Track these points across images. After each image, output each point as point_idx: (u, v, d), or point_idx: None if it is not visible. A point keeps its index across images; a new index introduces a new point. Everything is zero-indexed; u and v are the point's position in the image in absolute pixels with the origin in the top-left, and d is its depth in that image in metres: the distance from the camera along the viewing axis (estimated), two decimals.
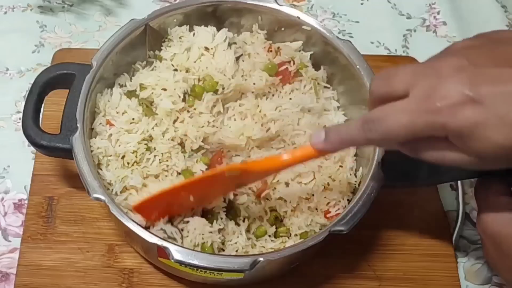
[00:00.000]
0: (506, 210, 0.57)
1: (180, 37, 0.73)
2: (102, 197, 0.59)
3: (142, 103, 0.68)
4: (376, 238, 0.72)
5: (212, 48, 0.71)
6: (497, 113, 0.45)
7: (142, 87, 0.69)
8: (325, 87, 0.74)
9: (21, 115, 0.80)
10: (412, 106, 0.47)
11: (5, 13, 0.91)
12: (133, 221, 0.59)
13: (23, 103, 0.81)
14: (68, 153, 0.63)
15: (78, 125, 0.63)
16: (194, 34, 0.73)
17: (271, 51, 0.74)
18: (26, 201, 0.74)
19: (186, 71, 0.71)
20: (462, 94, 0.45)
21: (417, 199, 0.74)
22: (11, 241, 0.72)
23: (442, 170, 0.62)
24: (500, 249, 0.57)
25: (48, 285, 0.68)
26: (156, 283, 0.69)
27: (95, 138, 0.66)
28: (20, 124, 0.80)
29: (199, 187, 0.61)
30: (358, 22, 0.93)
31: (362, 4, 0.96)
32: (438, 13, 0.94)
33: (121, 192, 0.64)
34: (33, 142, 0.64)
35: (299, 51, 0.74)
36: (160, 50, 0.73)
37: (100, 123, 0.67)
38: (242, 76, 0.70)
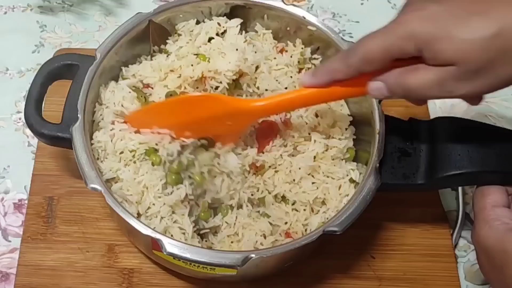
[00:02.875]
0: (500, 223, 0.57)
1: (191, 31, 0.73)
2: (99, 187, 0.59)
3: (141, 96, 0.68)
4: (375, 238, 0.72)
5: (224, 29, 0.72)
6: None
7: (133, 75, 0.70)
8: None
9: (21, 115, 0.81)
10: (384, 29, 0.52)
11: (5, 13, 0.91)
12: (128, 213, 0.59)
13: (23, 103, 0.81)
14: (68, 143, 0.63)
15: (79, 115, 0.63)
16: (204, 22, 0.73)
17: (283, 51, 0.74)
18: (26, 201, 0.74)
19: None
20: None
21: (417, 199, 0.74)
22: (11, 241, 0.72)
23: (440, 174, 0.62)
24: (493, 263, 0.56)
25: (48, 285, 0.68)
26: (156, 283, 0.69)
27: (98, 131, 0.66)
28: (20, 124, 0.80)
29: (187, 111, 0.63)
30: (358, 22, 0.93)
31: (362, 4, 0.96)
32: None
33: (110, 180, 0.64)
34: (34, 131, 0.65)
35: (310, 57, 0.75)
36: (165, 44, 0.73)
37: (101, 115, 0.67)
38: (252, 64, 0.70)
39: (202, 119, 0.63)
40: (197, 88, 0.69)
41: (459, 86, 0.50)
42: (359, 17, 0.94)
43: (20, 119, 0.80)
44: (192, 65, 0.69)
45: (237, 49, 0.69)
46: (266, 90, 0.70)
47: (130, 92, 0.68)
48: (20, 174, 0.76)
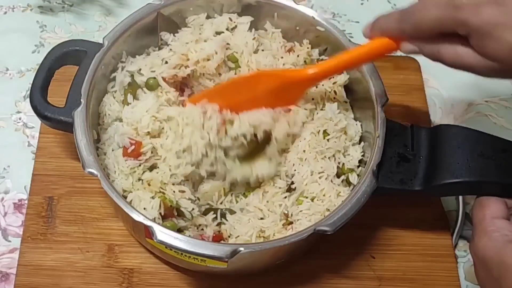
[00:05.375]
0: (499, 234, 0.57)
1: (201, 25, 0.73)
2: (96, 172, 0.60)
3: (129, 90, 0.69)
4: (376, 238, 0.72)
5: (234, 25, 0.73)
6: None
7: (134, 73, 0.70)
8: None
9: (21, 115, 0.81)
10: (443, 1, 0.51)
11: (5, 13, 0.91)
12: (123, 199, 0.59)
13: (23, 103, 0.81)
14: (69, 127, 0.64)
15: (82, 100, 0.64)
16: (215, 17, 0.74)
17: (291, 51, 0.74)
18: (26, 201, 0.74)
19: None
20: None
21: (417, 199, 0.74)
22: (11, 241, 0.72)
23: (437, 182, 0.62)
24: (490, 274, 0.56)
25: (48, 285, 0.68)
26: (156, 283, 0.69)
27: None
28: (20, 124, 0.80)
29: (231, 93, 0.67)
30: (358, 22, 0.93)
31: (362, 4, 0.96)
32: None
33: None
34: (37, 113, 0.66)
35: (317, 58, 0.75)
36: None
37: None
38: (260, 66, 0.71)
39: (256, 96, 0.66)
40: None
41: (488, 73, 0.53)
42: (359, 17, 0.94)
43: (20, 119, 0.80)
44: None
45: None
46: None
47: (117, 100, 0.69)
48: (20, 174, 0.76)
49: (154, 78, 0.68)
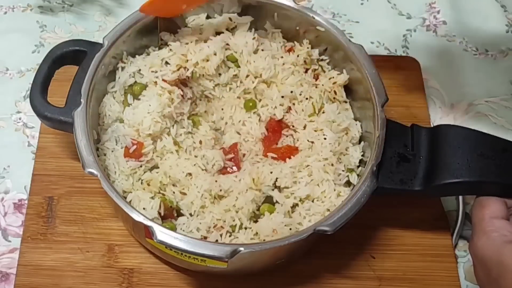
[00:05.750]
0: (498, 235, 0.57)
1: (201, 25, 0.73)
2: (96, 172, 0.60)
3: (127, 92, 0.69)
4: (375, 238, 0.72)
5: (234, 25, 0.73)
6: None
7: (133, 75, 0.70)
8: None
9: (21, 115, 0.81)
10: None
11: (5, 13, 0.91)
12: (123, 199, 0.59)
13: (23, 103, 0.81)
14: (69, 127, 0.64)
15: (82, 100, 0.64)
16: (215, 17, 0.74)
17: (291, 51, 0.74)
18: (26, 201, 0.74)
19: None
20: None
21: (417, 199, 0.74)
22: (11, 241, 0.72)
23: (437, 182, 0.62)
24: (488, 274, 0.57)
25: (48, 285, 0.68)
26: (156, 283, 0.69)
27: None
28: (20, 124, 0.80)
29: None
30: (358, 22, 0.93)
31: (362, 4, 0.96)
32: (438, 12, 0.94)
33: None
34: (37, 113, 0.66)
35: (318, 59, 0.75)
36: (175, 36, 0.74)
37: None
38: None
39: None
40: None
41: None
42: (359, 17, 0.94)
43: (20, 119, 0.80)
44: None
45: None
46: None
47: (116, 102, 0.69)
48: (20, 174, 0.76)
49: (141, 84, 0.68)
